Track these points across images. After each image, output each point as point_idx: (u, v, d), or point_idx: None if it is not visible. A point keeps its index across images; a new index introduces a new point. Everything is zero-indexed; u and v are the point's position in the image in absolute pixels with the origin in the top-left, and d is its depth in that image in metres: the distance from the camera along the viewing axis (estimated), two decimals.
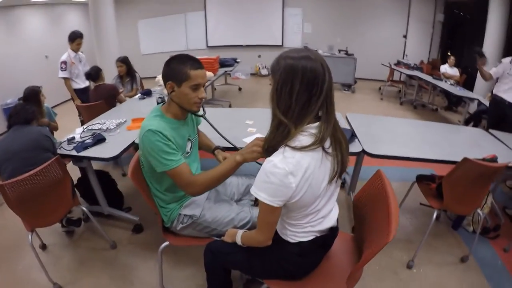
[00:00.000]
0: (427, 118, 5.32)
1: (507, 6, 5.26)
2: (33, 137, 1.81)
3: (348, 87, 6.95)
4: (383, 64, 6.83)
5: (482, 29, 5.76)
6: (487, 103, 4.30)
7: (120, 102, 3.29)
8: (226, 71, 4.97)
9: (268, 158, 0.93)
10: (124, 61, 3.71)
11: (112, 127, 2.23)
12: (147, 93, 3.18)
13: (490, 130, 2.85)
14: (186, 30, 7.77)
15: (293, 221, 1.08)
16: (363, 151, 2.05)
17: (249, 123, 2.35)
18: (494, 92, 3.34)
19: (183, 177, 1.26)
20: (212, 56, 4.69)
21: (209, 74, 3.94)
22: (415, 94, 6.16)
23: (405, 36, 6.93)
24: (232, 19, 7.59)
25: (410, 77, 6.40)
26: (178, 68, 1.25)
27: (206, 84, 3.75)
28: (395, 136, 2.38)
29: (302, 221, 1.07)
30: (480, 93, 5.35)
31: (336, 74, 6.40)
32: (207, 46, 7.89)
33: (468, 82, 5.79)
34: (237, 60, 5.55)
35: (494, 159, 2.01)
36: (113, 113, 2.73)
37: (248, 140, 1.98)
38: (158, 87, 3.50)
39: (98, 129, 2.21)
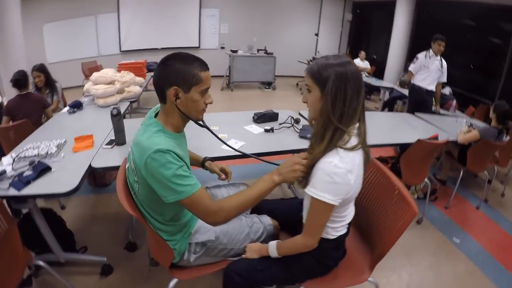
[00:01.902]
0: None
1: (412, 5, 6.39)
2: None
3: (268, 85, 7.44)
4: (300, 61, 7.50)
5: (387, 26, 6.91)
6: (401, 91, 5.25)
7: (48, 117, 2.81)
8: (152, 76, 4.70)
9: (325, 160, 1.00)
10: (41, 70, 3.26)
11: (53, 151, 1.88)
12: (77, 105, 2.77)
13: (416, 113, 3.47)
14: (98, 34, 7.06)
15: (335, 218, 1.16)
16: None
17: (215, 129, 2.30)
18: (412, 82, 4.09)
19: (204, 205, 1.05)
20: (126, 61, 4.36)
21: (139, 79, 3.67)
22: None
23: (317, 34, 7.74)
24: (147, 21, 7.23)
25: None
26: (185, 69, 1.04)
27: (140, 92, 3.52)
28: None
29: (342, 215, 1.17)
30: (390, 81, 6.40)
31: (256, 73, 6.83)
32: (121, 51, 7.34)
33: (378, 73, 6.84)
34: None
35: (436, 138, 2.50)
36: (42, 132, 2.30)
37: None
38: (86, 98, 3.09)
39: (35, 155, 1.83)
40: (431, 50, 3.85)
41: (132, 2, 7.12)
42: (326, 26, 8.20)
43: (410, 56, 6.45)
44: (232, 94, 6.67)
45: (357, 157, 1.03)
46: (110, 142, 1.98)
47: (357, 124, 1.04)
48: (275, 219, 1.52)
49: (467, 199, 3.24)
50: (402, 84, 5.54)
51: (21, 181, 1.58)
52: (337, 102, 0.97)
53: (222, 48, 7.41)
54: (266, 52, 7.06)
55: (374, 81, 6.06)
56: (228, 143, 1.92)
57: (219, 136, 1.34)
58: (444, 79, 3.90)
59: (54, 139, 2.06)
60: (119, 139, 1.94)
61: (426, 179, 2.65)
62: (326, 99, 0.98)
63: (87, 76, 5.25)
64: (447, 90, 4.60)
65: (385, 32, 7.52)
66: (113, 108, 1.92)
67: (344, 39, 8.79)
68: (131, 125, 2.02)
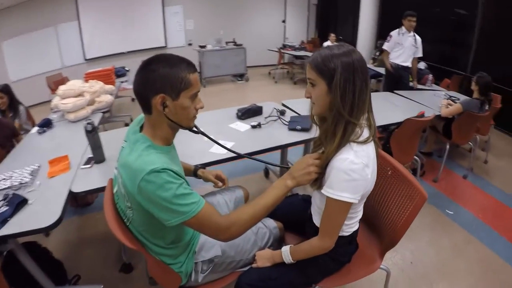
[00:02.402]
0: None
1: None
2: None
3: (241, 76, 7.38)
4: (270, 50, 7.46)
5: (354, 7, 6.97)
6: (375, 69, 5.36)
7: (18, 142, 2.59)
8: (122, 82, 4.50)
9: (340, 157, 0.96)
10: (5, 91, 2.99)
11: (27, 180, 1.72)
12: (46, 124, 2.57)
13: (395, 91, 3.53)
14: (60, 45, 6.64)
15: (350, 214, 1.13)
16: None
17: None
18: (390, 59, 4.14)
19: (213, 222, 0.96)
20: (93, 70, 4.15)
21: (108, 87, 3.48)
22: (306, 71, 6.99)
23: (284, 21, 7.71)
24: (110, 26, 6.93)
25: (297, 57, 7.22)
26: (171, 73, 0.93)
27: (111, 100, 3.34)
28: None
29: (357, 211, 1.15)
30: None
31: (227, 66, 6.77)
32: (86, 60, 6.98)
33: None
34: (126, 69, 5.27)
35: (423, 114, 2.54)
36: (14, 159, 2.11)
37: (217, 149, 1.87)
38: (55, 114, 2.88)
39: (8, 187, 1.67)
40: (403, 27, 3.91)
41: (92, 8, 6.80)
42: (292, 12, 8.19)
43: (379, 35, 6.59)
44: (205, 90, 6.53)
45: (371, 149, 1.00)
46: (88, 161, 1.83)
47: (366, 115, 1.00)
48: (278, 220, 1.48)
49: (453, 170, 3.37)
50: (378, 62, 5.65)
51: None
52: (347, 95, 0.93)
53: (190, 44, 7.25)
54: (235, 44, 6.98)
55: None
56: (218, 150, 1.86)
57: (217, 141, 1.26)
58: (420, 54, 3.98)
59: (27, 165, 1.89)
60: (97, 157, 1.81)
61: (415, 157, 2.71)
62: (335, 92, 0.93)
63: (53, 90, 4.95)
64: (422, 65, 4.72)
65: (352, 13, 7.61)
66: (87, 124, 1.78)
67: (312, 23, 8.81)
68: (108, 139, 1.89)
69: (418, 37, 3.92)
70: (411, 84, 4.11)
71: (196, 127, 1.09)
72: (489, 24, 4.91)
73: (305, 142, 2.15)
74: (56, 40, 6.65)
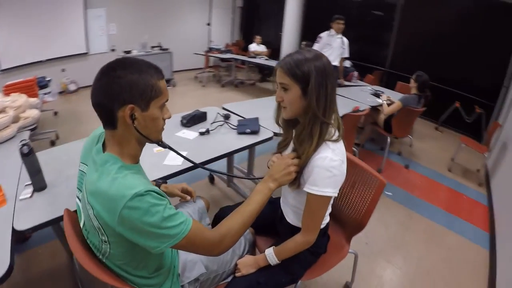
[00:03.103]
0: (250, 93, 6.44)
1: None
2: None
3: (167, 82, 7.13)
4: (196, 53, 7.40)
5: (278, 9, 7.30)
6: None
7: None
8: (45, 94, 3.97)
9: (319, 156, 1.01)
10: None
11: None
12: None
13: None
14: None
15: None
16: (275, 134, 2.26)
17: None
18: None
19: (204, 238, 0.90)
20: (13, 81, 3.61)
21: (32, 100, 3.06)
22: (233, 75, 7.11)
23: (209, 24, 7.71)
24: (27, 33, 5.98)
25: (223, 60, 7.33)
26: (141, 80, 0.83)
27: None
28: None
29: (331, 204, 1.20)
30: None
31: None
32: (1, 70, 5.92)
33: (275, 55, 7.26)
34: (48, 79, 4.64)
35: (359, 110, 2.80)
36: None
37: (172, 160, 1.77)
38: None
39: None
40: (332, 30, 4.25)
41: (6, 13, 5.82)
42: (217, 15, 8.22)
43: (303, 36, 7.03)
44: None
45: (343, 146, 1.07)
46: (26, 190, 1.57)
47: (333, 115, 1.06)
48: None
49: (388, 158, 3.78)
50: None
51: None
52: (321, 98, 0.98)
53: (113, 50, 6.73)
54: (161, 48, 6.75)
55: (274, 63, 6.38)
56: (173, 161, 1.77)
57: (183, 155, 1.14)
58: (346, 54, 4.37)
59: None
60: (38, 183, 1.54)
61: (353, 149, 2.96)
62: (311, 96, 0.97)
63: None
64: (347, 63, 5.17)
65: (275, 15, 7.98)
66: (22, 146, 1.51)
67: (236, 26, 8.99)
68: (46, 160, 1.62)
69: (345, 39, 4.31)
70: (338, 81, 4.48)
71: (162, 141, 0.99)
72: (405, 25, 5.72)
73: (257, 145, 2.17)
74: None
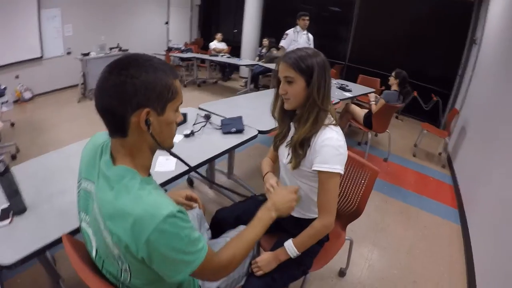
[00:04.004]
0: (214, 92, 6.43)
1: None
2: None
3: None
4: (156, 53, 7.20)
5: (236, 6, 7.36)
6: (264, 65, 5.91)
7: None
8: (2, 103, 3.63)
9: (326, 137, 1.14)
10: None
11: None
12: None
13: None
14: None
15: None
16: (260, 131, 2.31)
17: None
18: None
19: (215, 264, 0.85)
20: None
21: None
22: (195, 74, 7.06)
23: (167, 23, 7.54)
24: None
25: (183, 59, 7.29)
26: (157, 80, 0.74)
27: None
28: (259, 112, 2.68)
29: None
30: (249, 58, 7.07)
31: None
32: None
33: (235, 52, 7.35)
34: (3, 87, 4.22)
35: (333, 103, 2.92)
36: None
37: (163, 166, 1.75)
38: None
39: None
40: (298, 26, 4.40)
41: None
42: (175, 13, 8.06)
43: (264, 32, 7.16)
44: (92, 104, 5.80)
45: (341, 130, 1.20)
46: (3, 216, 1.39)
47: None
48: (246, 223, 1.50)
49: (352, 147, 4.02)
50: (266, 59, 6.16)
51: None
52: (321, 88, 1.13)
53: (69, 53, 6.28)
54: (120, 50, 6.45)
55: (237, 61, 6.47)
56: (164, 167, 1.75)
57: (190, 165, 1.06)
58: None
59: None
60: (17, 206, 1.40)
61: None
62: (313, 87, 1.12)
63: None
64: None
65: (234, 12, 8.04)
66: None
67: (195, 24, 8.87)
68: (21, 179, 1.46)
69: (310, 35, 4.50)
70: None
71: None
72: (363, 20, 6.08)
73: (244, 143, 2.19)
74: None
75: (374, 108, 3.49)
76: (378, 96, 3.65)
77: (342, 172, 1.13)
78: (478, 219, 2.36)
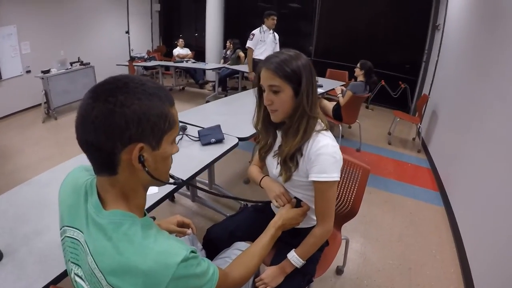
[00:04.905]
0: (182, 99, 6.28)
1: None
2: None
3: None
4: (119, 64, 7.00)
5: (197, 11, 7.31)
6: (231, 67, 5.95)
7: None
8: None
9: (322, 145, 1.06)
10: None
11: None
12: None
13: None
14: None
15: None
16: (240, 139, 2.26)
17: None
18: (254, 56, 4.52)
19: (229, 283, 0.87)
20: None
21: None
22: (161, 82, 6.86)
23: (127, 32, 7.33)
24: None
25: (147, 68, 7.17)
26: (152, 108, 0.63)
27: None
28: (235, 118, 2.62)
29: None
30: (215, 62, 7.03)
31: (77, 90, 6.02)
32: None
33: (199, 56, 7.29)
34: None
35: None
36: None
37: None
38: None
39: None
40: (264, 26, 4.40)
41: None
42: (135, 21, 7.83)
43: (227, 34, 7.11)
44: (58, 123, 5.51)
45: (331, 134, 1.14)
46: None
47: None
48: (248, 240, 1.44)
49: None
50: (231, 60, 6.16)
51: None
52: (309, 95, 1.04)
53: (28, 72, 5.93)
54: (82, 64, 6.19)
55: (203, 65, 6.42)
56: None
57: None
58: (278, 49, 4.55)
59: None
60: None
61: None
62: (302, 95, 1.02)
63: None
64: None
65: (195, 17, 7.94)
66: None
67: (156, 31, 8.65)
68: None
69: (276, 34, 4.53)
70: None
71: (172, 176, 0.85)
72: (325, 15, 6.22)
73: (226, 154, 2.13)
74: None
75: (342, 100, 3.54)
76: (345, 89, 3.72)
77: (339, 179, 1.09)
78: (460, 198, 2.48)
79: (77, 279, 0.74)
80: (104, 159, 0.63)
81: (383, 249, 2.24)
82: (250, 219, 1.51)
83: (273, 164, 1.25)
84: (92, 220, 0.67)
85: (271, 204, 1.43)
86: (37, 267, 1.08)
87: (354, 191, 1.59)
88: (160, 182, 0.72)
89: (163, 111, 0.65)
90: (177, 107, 0.70)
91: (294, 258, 1.19)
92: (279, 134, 1.22)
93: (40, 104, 5.32)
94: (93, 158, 0.65)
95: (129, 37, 7.44)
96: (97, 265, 0.64)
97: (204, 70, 6.84)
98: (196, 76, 7.30)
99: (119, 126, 0.59)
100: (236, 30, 7.03)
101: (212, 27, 7.02)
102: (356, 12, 5.74)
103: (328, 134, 1.11)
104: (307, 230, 1.21)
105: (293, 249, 1.22)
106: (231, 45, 6.56)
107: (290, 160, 1.12)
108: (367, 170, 1.53)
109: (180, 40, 7.16)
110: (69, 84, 5.77)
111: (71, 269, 0.76)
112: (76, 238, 0.71)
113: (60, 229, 0.77)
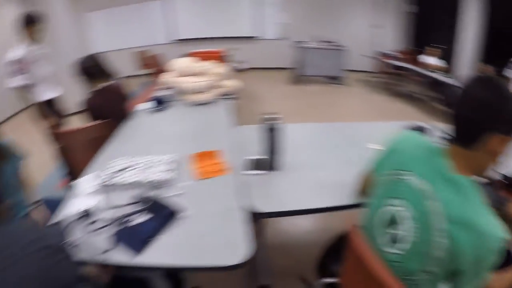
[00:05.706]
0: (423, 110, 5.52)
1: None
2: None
3: (335, 79, 7.00)
4: (363, 55, 7.19)
5: (452, 20, 6.35)
6: None
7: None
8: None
9: None
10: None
11: (166, 176, 1.28)
12: (161, 101, 2.20)
13: None
14: (148, 22, 7.37)
15: None
16: None
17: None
18: None
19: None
20: (201, 50, 3.90)
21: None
22: (409, 86, 6.43)
23: (377, 26, 7.21)
24: (203, 8, 7.40)
25: (395, 67, 6.67)
26: None
27: None
28: None
29: None
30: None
31: (325, 67, 6.72)
32: (176, 40, 7.55)
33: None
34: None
35: None
36: (127, 140, 1.73)
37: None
38: (165, 92, 2.47)
39: (136, 182, 1.21)
40: None
41: None
42: (384, 18, 7.69)
43: (487, 54, 5.62)
44: (306, 89, 6.51)
45: None
46: (253, 166, 1.42)
47: None
48: None
49: None
50: None
51: (138, 238, 0.99)
52: None
53: (285, 39, 7.19)
54: (336, 45, 6.73)
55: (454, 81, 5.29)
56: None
57: None
58: None
59: (154, 152, 1.46)
60: (274, 164, 1.43)
61: None
62: None
63: (147, 65, 5.07)
64: None
65: (450, 26, 6.67)
66: (270, 122, 1.36)
67: (404, 32, 8.03)
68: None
69: None
70: None
71: None
72: None
73: None
74: (144, 17, 7.25)
75: None
76: None
77: None
78: None
79: (391, 209, 0.86)
80: (471, 132, 0.77)
81: None
82: None
83: None
84: (442, 175, 0.80)
85: None
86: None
87: None
88: (481, 176, 0.86)
89: None
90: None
91: None
92: None
93: (285, 68, 6.11)
94: (460, 129, 0.79)
95: (374, 31, 7.47)
96: (441, 211, 0.75)
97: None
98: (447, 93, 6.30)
99: (497, 116, 0.74)
100: (503, 50, 5.05)
101: (467, 41, 5.96)
102: None
103: None
104: None
105: None
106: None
107: None
108: None
109: (437, 50, 6.26)
110: (321, 59, 6.59)
111: (390, 203, 0.87)
112: (415, 184, 0.82)
113: (394, 170, 0.89)
